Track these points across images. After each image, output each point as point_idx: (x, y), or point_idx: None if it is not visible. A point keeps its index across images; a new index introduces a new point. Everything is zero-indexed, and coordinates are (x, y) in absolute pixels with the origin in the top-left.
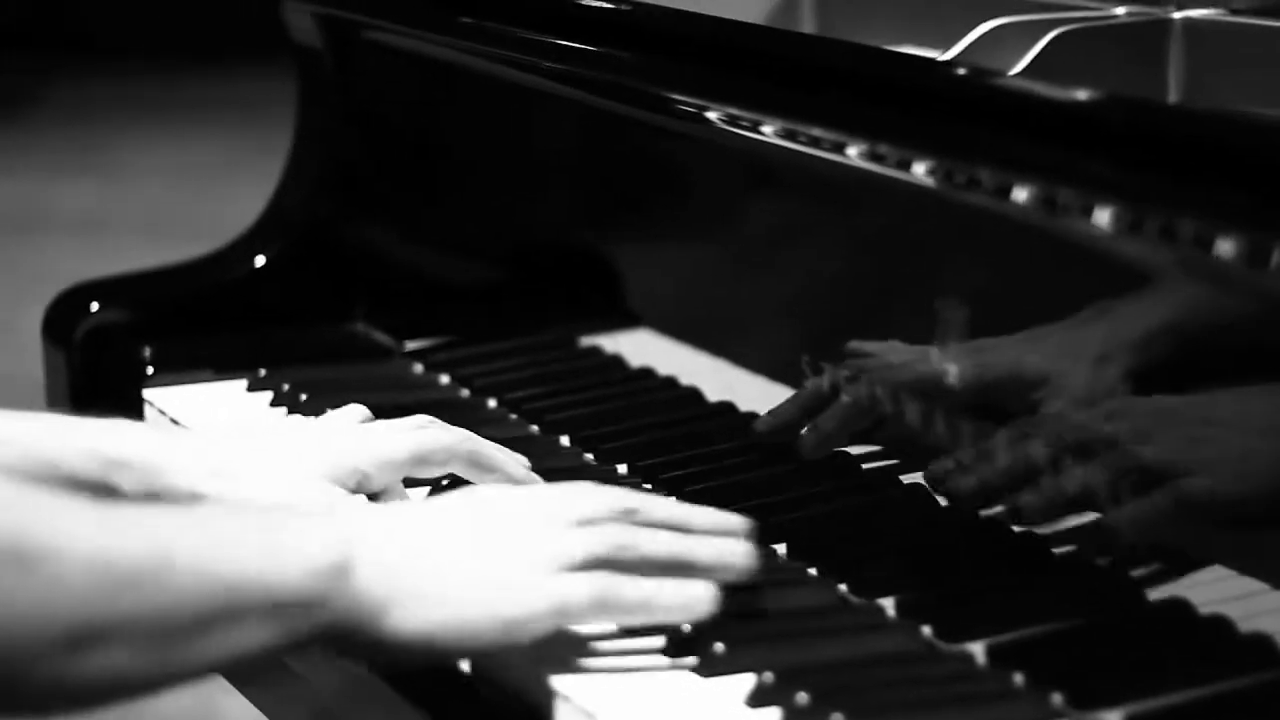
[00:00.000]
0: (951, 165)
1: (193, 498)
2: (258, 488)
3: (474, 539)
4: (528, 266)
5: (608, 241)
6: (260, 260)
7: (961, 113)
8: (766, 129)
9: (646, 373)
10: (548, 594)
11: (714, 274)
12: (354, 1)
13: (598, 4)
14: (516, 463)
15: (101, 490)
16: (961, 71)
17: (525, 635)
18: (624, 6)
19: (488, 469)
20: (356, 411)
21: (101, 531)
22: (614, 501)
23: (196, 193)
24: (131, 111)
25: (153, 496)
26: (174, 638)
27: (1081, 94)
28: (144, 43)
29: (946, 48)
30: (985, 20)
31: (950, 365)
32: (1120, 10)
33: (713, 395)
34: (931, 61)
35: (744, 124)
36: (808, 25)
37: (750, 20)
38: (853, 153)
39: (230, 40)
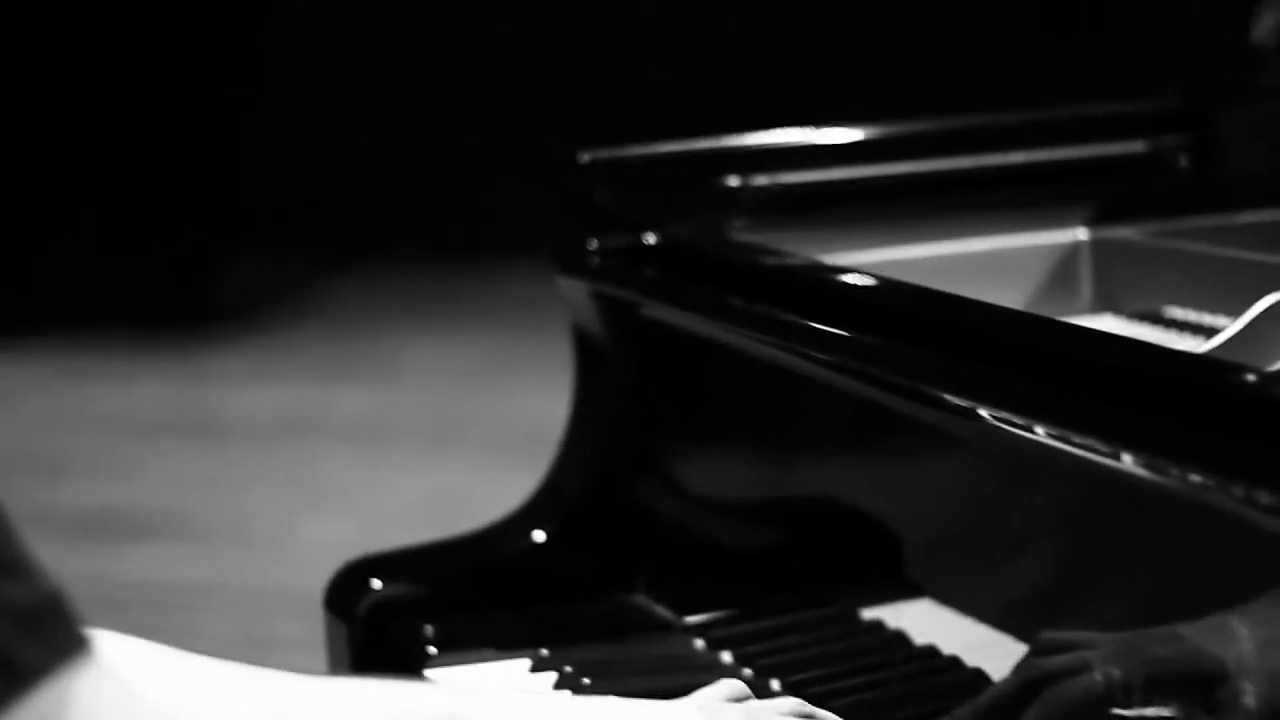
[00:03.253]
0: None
1: None
2: None
3: None
4: (807, 536)
5: (888, 510)
6: (540, 536)
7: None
8: (1040, 431)
9: (931, 651)
10: None
11: (995, 545)
12: (630, 281)
13: (870, 287)
14: None
15: None
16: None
17: None
18: (901, 294)
19: None
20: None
21: None
22: None
23: (473, 395)
24: (408, 313)
25: None
26: None
27: None
28: (419, 242)
29: (1232, 312)
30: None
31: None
32: None
33: (997, 675)
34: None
35: (1019, 425)
36: (1085, 287)
37: (1022, 280)
38: (1129, 460)
39: (503, 238)
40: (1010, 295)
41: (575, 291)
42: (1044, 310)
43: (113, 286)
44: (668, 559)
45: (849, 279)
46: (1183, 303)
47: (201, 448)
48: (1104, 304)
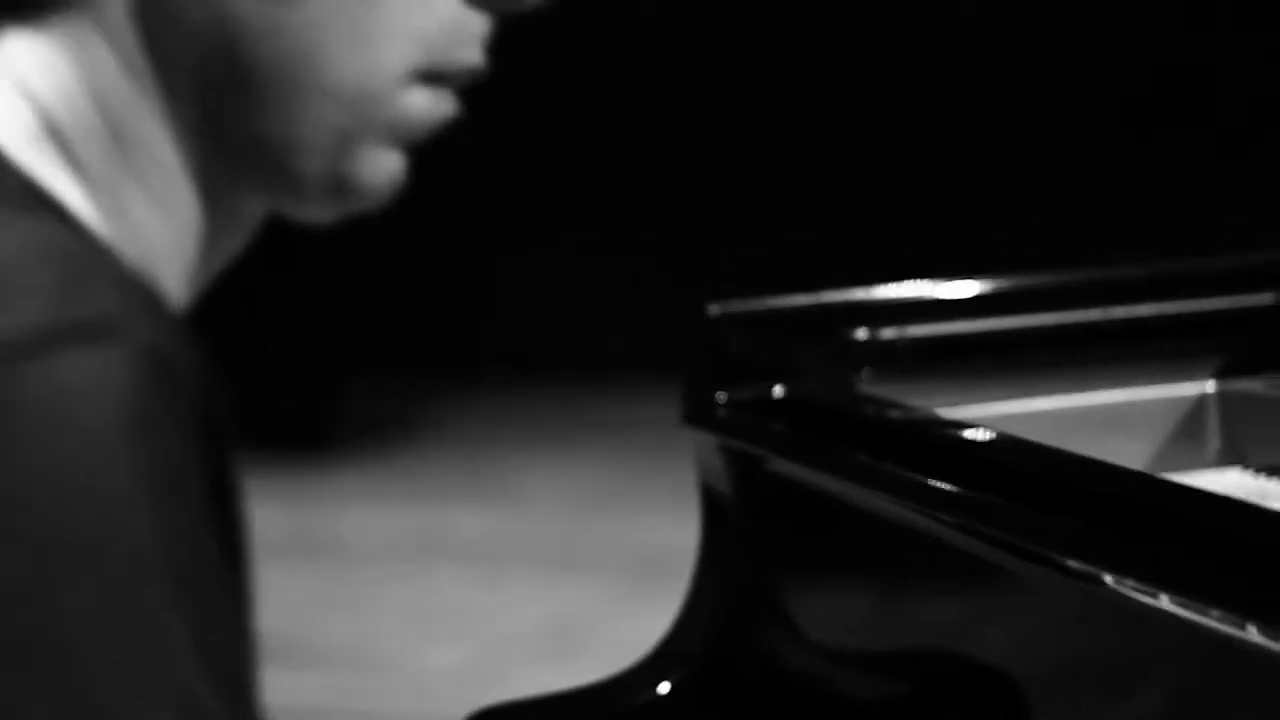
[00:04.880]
0: None
1: None
2: None
3: None
4: (928, 689)
5: (1009, 665)
6: (664, 688)
7: None
8: (1164, 599)
9: None
10: None
11: (1114, 703)
12: (757, 435)
13: (990, 446)
14: None
15: None
16: None
17: None
18: (1022, 454)
19: None
20: None
21: None
22: None
23: (595, 519)
24: (527, 433)
25: None
26: None
27: None
28: (538, 362)
29: None
30: None
31: None
32: None
33: None
34: None
35: (1140, 591)
36: (1212, 440)
37: (1150, 433)
38: (1253, 631)
39: (624, 358)
40: (1137, 448)
41: (703, 443)
42: (1170, 464)
43: (232, 403)
44: (792, 711)
45: (971, 437)
46: None
47: (321, 570)
48: (1231, 457)
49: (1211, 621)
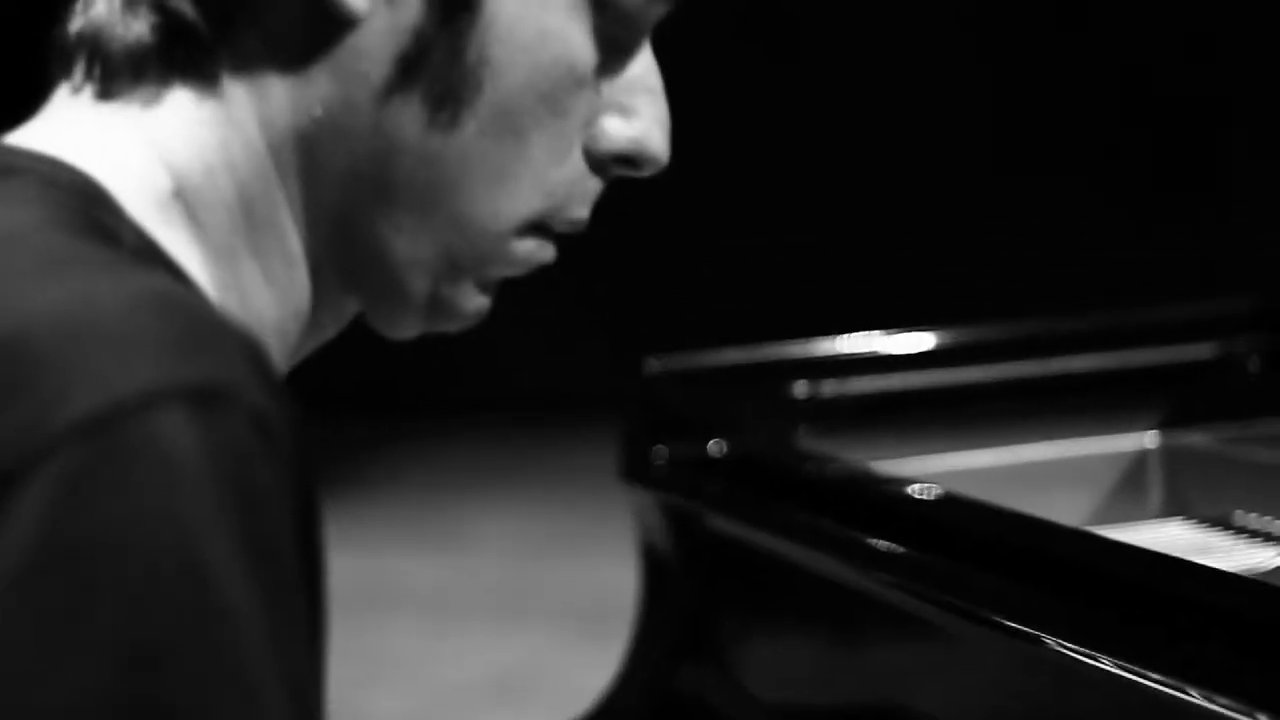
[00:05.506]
0: None
1: None
2: None
3: None
4: None
5: None
6: None
7: None
8: (1106, 662)
9: None
10: None
11: None
12: (696, 493)
13: (931, 504)
14: None
15: None
16: None
17: None
18: (963, 511)
19: None
20: None
21: None
22: None
23: (541, 566)
24: (473, 480)
25: None
26: None
27: None
28: (488, 410)
29: None
30: None
31: None
32: None
33: None
34: None
35: (1081, 654)
36: (1155, 492)
37: (1092, 486)
38: (1195, 694)
39: (571, 401)
40: (1080, 501)
41: (641, 500)
42: (1112, 516)
43: None
44: None
45: (909, 494)
46: (1252, 508)
47: None
48: (1173, 509)
49: (1151, 683)
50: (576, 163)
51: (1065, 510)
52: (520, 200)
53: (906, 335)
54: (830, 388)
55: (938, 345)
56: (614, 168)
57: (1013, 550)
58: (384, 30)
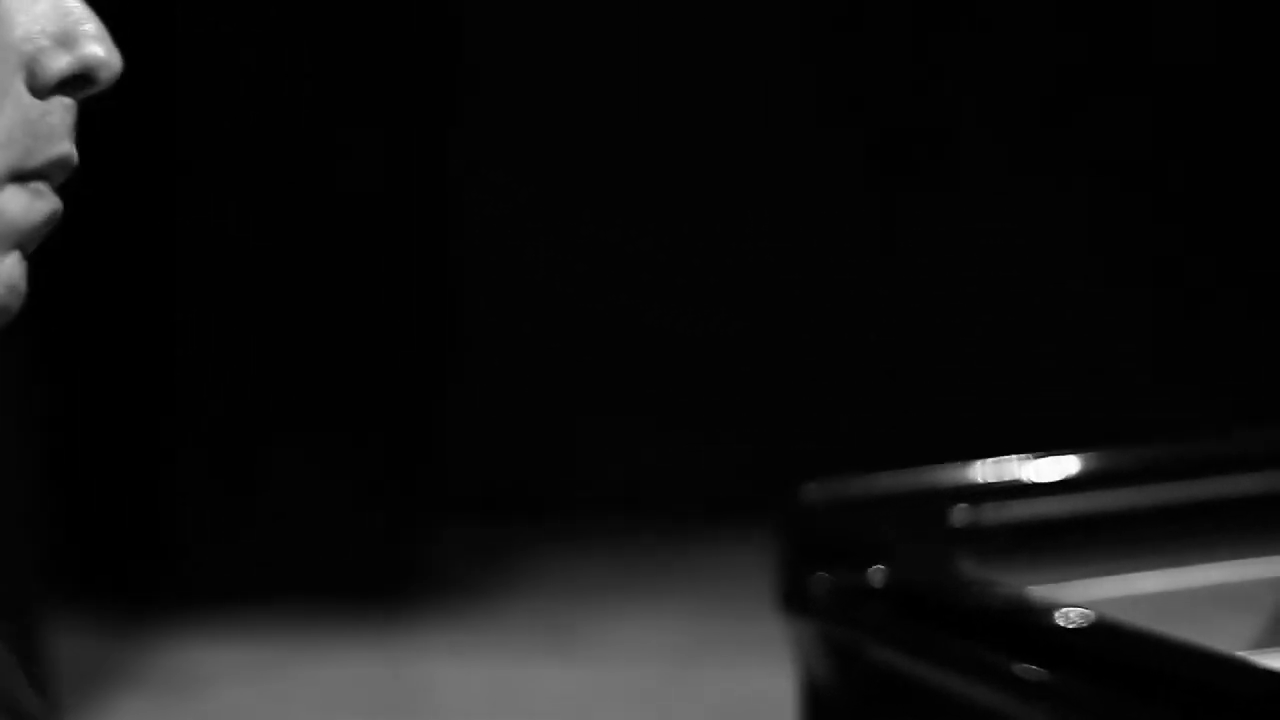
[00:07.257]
0: None
1: None
2: None
3: None
4: None
5: None
6: None
7: None
8: None
9: None
10: None
11: None
12: (856, 623)
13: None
14: None
15: None
16: None
17: None
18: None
19: None
20: None
21: None
22: None
23: (685, 671)
24: (611, 584)
25: None
26: None
27: None
28: (628, 511)
29: None
30: None
31: None
32: None
33: None
34: None
35: None
36: None
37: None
38: None
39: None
40: (1243, 625)
41: (800, 630)
42: (1278, 640)
43: (312, 556)
44: None
45: (1071, 624)
46: None
47: None
48: None
49: None
50: (21, 103)
51: (1227, 637)
52: None
53: (1066, 458)
54: (990, 513)
55: (1096, 468)
56: (71, 91)
57: (1174, 679)
58: None
